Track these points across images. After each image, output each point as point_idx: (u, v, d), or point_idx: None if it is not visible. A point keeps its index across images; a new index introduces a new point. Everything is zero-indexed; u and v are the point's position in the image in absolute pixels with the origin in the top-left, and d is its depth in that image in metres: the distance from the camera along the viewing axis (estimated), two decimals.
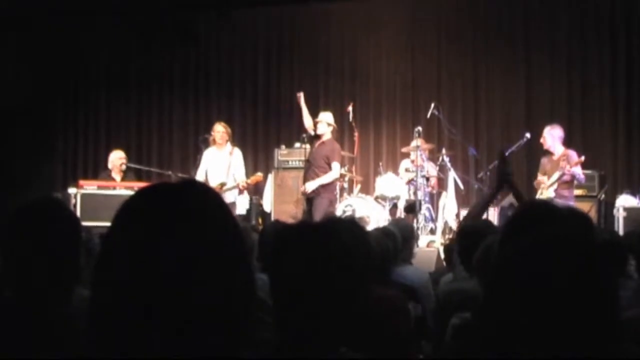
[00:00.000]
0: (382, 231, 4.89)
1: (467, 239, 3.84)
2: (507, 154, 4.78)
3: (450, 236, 9.74)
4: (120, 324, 1.12)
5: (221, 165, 10.02)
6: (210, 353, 1.14)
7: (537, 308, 1.41)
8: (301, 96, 10.30)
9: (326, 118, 9.99)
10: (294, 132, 12.40)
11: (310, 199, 9.75)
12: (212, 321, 1.14)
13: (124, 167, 10.86)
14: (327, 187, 9.73)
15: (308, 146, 10.48)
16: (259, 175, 10.30)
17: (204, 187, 1.25)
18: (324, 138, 9.88)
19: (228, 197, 9.79)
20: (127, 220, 1.19)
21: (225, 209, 1.24)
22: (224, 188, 9.75)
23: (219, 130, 10.12)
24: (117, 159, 10.83)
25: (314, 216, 9.21)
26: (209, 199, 1.23)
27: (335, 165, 9.75)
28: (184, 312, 1.12)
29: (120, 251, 1.15)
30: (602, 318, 1.44)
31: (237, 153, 10.18)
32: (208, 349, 1.13)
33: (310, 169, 9.81)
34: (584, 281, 1.44)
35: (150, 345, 1.11)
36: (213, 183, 9.79)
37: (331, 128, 9.95)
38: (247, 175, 10.31)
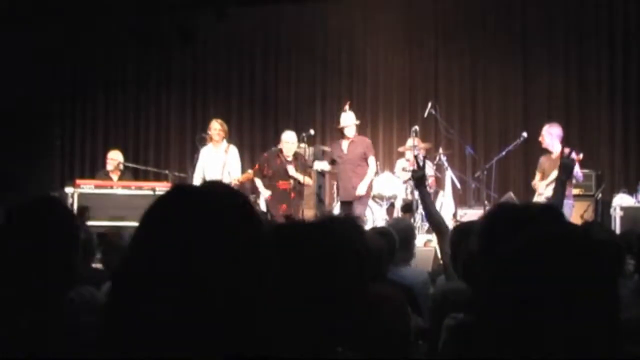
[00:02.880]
0: (377, 230, 4.89)
1: (458, 239, 3.80)
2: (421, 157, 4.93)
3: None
4: (143, 323, 1.13)
5: (217, 163, 10.00)
6: (235, 351, 1.15)
7: (534, 310, 1.41)
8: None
9: (354, 120, 9.92)
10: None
11: (348, 203, 9.68)
12: (236, 322, 1.15)
13: (121, 166, 10.86)
14: (367, 190, 9.73)
15: (304, 145, 10.44)
16: (250, 172, 10.23)
17: (230, 189, 1.27)
18: (353, 137, 9.85)
19: None
20: (157, 222, 1.20)
21: (251, 210, 1.25)
22: None
23: (216, 127, 10.09)
24: (114, 159, 10.82)
25: (361, 215, 9.18)
26: (236, 200, 1.24)
27: (372, 159, 9.80)
28: (210, 313, 1.13)
29: (151, 252, 1.16)
30: (602, 318, 1.44)
31: (233, 150, 10.15)
32: (233, 347, 1.15)
33: (347, 170, 9.73)
34: (582, 280, 1.43)
35: (171, 343, 1.12)
36: None
37: (354, 127, 9.91)
38: (243, 172, 10.28)
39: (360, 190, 9.59)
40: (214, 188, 1.26)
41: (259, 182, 9.92)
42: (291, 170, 9.69)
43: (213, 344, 1.15)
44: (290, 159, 9.87)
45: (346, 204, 9.75)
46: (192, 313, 1.13)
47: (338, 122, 10.14)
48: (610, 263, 1.49)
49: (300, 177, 9.79)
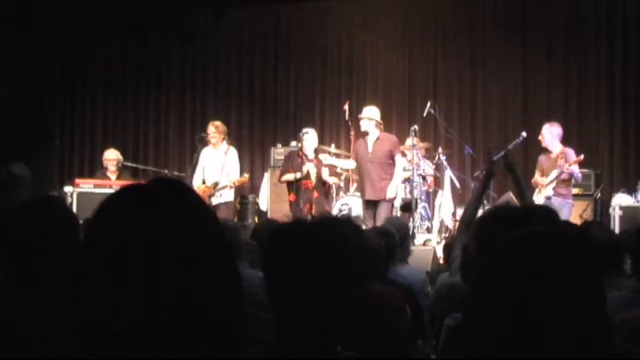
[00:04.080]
0: (377, 230, 4.89)
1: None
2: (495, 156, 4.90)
3: (447, 235, 9.74)
4: (104, 323, 1.12)
5: (216, 165, 10.00)
6: (196, 354, 1.13)
7: (527, 309, 1.41)
8: None
9: (374, 116, 9.59)
10: (290, 131, 12.41)
11: (374, 203, 9.37)
12: (197, 321, 1.13)
13: (119, 165, 10.84)
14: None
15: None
16: (246, 177, 10.20)
17: (182, 187, 1.25)
18: (378, 134, 9.50)
19: (224, 196, 9.79)
20: (108, 221, 1.18)
21: (204, 209, 1.23)
22: (217, 188, 9.75)
23: (211, 130, 10.10)
24: (111, 158, 10.82)
25: (381, 218, 8.76)
26: (189, 197, 1.22)
27: (400, 158, 9.49)
28: (167, 312, 1.11)
29: (101, 251, 1.15)
30: (593, 317, 1.44)
31: (232, 153, 10.13)
32: (193, 350, 1.13)
33: (374, 169, 9.37)
34: (574, 279, 1.44)
35: (132, 347, 1.11)
36: (208, 182, 9.82)
37: (374, 123, 9.53)
38: (242, 174, 10.26)
39: (391, 193, 9.34)
40: (162, 185, 1.24)
41: (289, 176, 9.79)
42: (325, 174, 9.62)
43: (188, 346, 1.13)
44: (311, 157, 9.77)
45: (371, 204, 9.42)
46: (163, 315, 1.12)
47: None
48: (596, 263, 1.49)
49: (331, 180, 9.77)
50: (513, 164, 4.67)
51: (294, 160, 9.78)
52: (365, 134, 9.61)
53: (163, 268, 1.12)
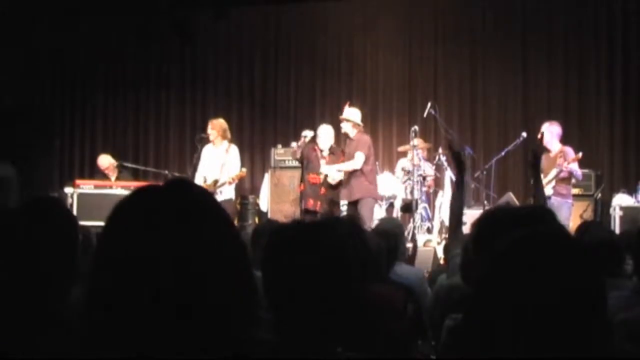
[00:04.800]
0: (378, 231, 4.89)
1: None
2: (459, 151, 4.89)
3: (447, 235, 9.74)
4: (117, 323, 1.12)
5: (216, 162, 9.98)
6: (211, 351, 1.13)
7: (527, 309, 1.41)
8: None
9: (350, 117, 9.46)
10: (290, 131, 12.41)
11: (354, 203, 9.17)
12: (213, 320, 1.14)
13: (115, 167, 10.87)
14: (369, 187, 9.19)
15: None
16: (243, 171, 10.16)
17: (197, 187, 1.25)
18: (352, 135, 9.39)
19: (224, 193, 9.77)
20: (124, 222, 1.18)
21: (219, 208, 1.24)
22: (217, 185, 9.74)
23: (209, 129, 10.10)
24: (104, 163, 10.86)
25: (363, 218, 8.51)
26: (203, 198, 1.23)
27: (358, 154, 9.15)
28: (183, 311, 1.12)
29: (117, 253, 1.15)
30: (593, 317, 1.44)
31: (233, 151, 10.10)
32: (208, 348, 1.13)
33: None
34: (574, 280, 1.44)
35: (147, 345, 1.11)
36: (209, 180, 9.80)
37: (350, 124, 9.39)
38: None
39: (325, 170, 9.33)
40: (185, 185, 1.24)
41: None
42: (323, 166, 9.43)
43: (204, 344, 1.14)
44: (325, 153, 9.65)
45: (351, 204, 9.26)
46: (179, 313, 1.12)
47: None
48: (595, 263, 1.49)
49: (332, 177, 9.56)
50: (461, 158, 4.66)
51: (309, 152, 9.61)
52: (346, 135, 9.56)
53: (171, 270, 1.12)
